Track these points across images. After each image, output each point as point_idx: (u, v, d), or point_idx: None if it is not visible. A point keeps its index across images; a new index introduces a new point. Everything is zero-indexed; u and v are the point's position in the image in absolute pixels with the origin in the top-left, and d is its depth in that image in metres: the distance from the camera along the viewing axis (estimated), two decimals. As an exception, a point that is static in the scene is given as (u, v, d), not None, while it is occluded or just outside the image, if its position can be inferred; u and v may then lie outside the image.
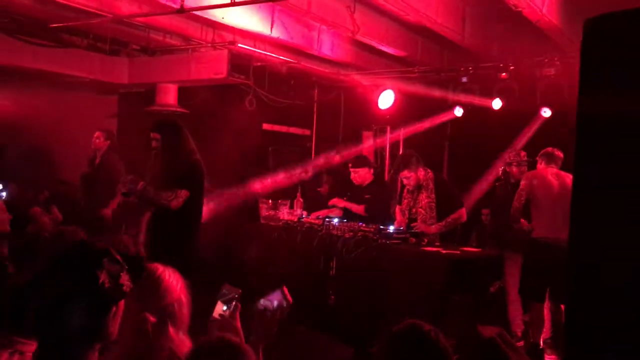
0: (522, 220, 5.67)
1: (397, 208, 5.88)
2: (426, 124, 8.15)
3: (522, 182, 5.64)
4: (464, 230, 7.33)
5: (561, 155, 5.68)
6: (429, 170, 5.64)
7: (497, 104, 7.38)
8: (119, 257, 1.73)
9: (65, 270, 1.67)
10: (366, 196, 5.97)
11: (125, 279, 1.71)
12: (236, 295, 2.38)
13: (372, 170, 6.17)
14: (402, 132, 8.60)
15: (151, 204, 4.62)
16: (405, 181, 5.64)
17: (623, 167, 1.35)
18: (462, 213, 5.50)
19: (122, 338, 1.84)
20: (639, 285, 1.39)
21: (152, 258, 2.48)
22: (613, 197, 1.40)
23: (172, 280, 2.25)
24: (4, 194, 4.86)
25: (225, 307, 2.38)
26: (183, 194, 4.55)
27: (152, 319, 2.10)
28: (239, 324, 2.43)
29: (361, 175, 6.05)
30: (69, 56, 6.79)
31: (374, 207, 5.91)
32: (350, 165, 6.19)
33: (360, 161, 6.25)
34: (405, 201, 5.70)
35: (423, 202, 5.52)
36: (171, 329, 2.17)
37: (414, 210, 5.60)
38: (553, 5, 5.78)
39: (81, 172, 6.61)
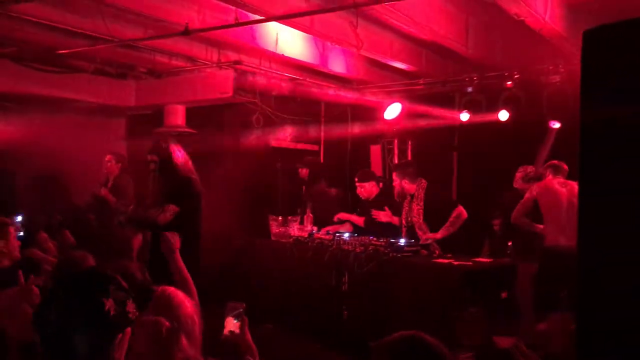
0: (526, 220, 5.77)
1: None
2: (432, 123, 8.09)
3: (527, 193, 5.76)
4: (476, 240, 7.30)
5: (566, 167, 5.83)
6: (422, 181, 5.77)
7: (503, 115, 7.38)
8: (125, 285, 1.75)
9: (72, 297, 1.69)
10: (372, 210, 6.02)
11: (131, 307, 1.73)
12: (241, 310, 2.40)
13: (378, 184, 6.26)
14: (410, 144, 8.60)
15: (142, 226, 4.64)
16: (394, 184, 5.95)
17: (627, 173, 1.35)
18: (460, 211, 5.55)
19: (136, 345, 1.85)
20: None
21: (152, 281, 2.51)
22: (618, 202, 1.40)
23: (184, 299, 2.26)
24: (18, 218, 4.91)
25: (235, 321, 2.40)
26: (171, 208, 4.56)
27: (167, 323, 2.11)
28: (249, 338, 2.45)
29: (367, 190, 6.15)
30: (77, 81, 6.86)
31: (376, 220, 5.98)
32: (356, 179, 6.24)
33: (366, 175, 6.30)
34: (404, 210, 5.85)
35: (415, 211, 5.69)
36: (184, 341, 2.17)
37: (409, 219, 5.76)
38: (555, 13, 5.79)
39: (93, 195, 6.65)
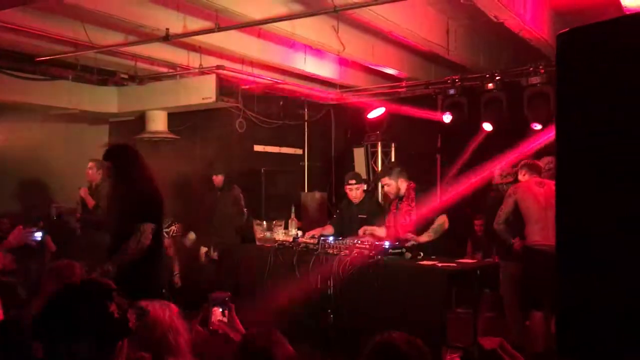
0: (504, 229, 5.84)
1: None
2: (415, 113, 8.10)
3: (506, 197, 5.77)
4: (459, 241, 7.34)
5: (541, 164, 5.85)
6: (411, 182, 5.77)
7: (487, 127, 7.49)
8: (122, 295, 1.78)
9: (79, 302, 1.71)
10: (360, 216, 6.02)
11: (131, 316, 1.75)
12: (227, 298, 2.41)
13: (364, 188, 6.29)
14: (393, 147, 8.65)
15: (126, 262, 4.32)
16: (386, 188, 5.82)
17: (602, 173, 1.38)
18: (444, 220, 5.56)
19: None
20: (627, 287, 1.40)
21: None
22: (595, 203, 1.42)
23: (159, 312, 2.24)
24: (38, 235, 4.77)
25: (221, 310, 2.41)
26: (148, 227, 4.32)
27: (147, 356, 2.09)
28: (239, 323, 2.45)
29: (359, 192, 6.15)
30: (58, 88, 6.81)
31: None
32: (350, 180, 6.16)
33: (359, 177, 6.31)
34: (392, 214, 5.81)
35: (403, 210, 5.66)
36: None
37: (397, 219, 5.72)
38: (537, 15, 5.87)
39: (77, 202, 6.60)
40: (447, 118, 7.97)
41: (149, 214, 4.40)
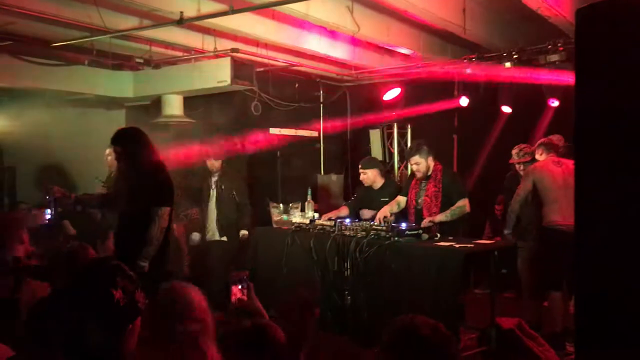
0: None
1: (395, 199, 5.97)
2: (433, 108, 8.08)
3: (523, 179, 5.74)
4: (478, 222, 7.31)
5: (559, 143, 5.79)
6: (437, 163, 5.76)
7: (506, 109, 7.44)
8: (131, 274, 1.75)
9: (81, 291, 1.69)
10: (382, 199, 6.05)
11: (140, 296, 1.73)
12: (245, 277, 2.43)
13: (381, 172, 6.25)
14: (410, 128, 8.59)
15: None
16: (414, 167, 5.75)
17: (621, 151, 1.35)
18: (466, 203, 5.55)
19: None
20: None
21: None
22: (614, 181, 1.40)
23: (193, 292, 2.21)
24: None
25: (240, 288, 2.43)
26: (166, 211, 4.40)
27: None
28: (257, 302, 2.46)
29: (370, 177, 6.16)
30: (73, 73, 6.84)
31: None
32: (360, 166, 6.24)
33: (369, 162, 6.31)
34: (414, 191, 5.81)
35: (430, 191, 5.65)
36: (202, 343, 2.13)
37: (420, 200, 5.72)
38: (554, -9, 5.75)
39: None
40: (464, 101, 7.91)
41: (165, 197, 4.46)
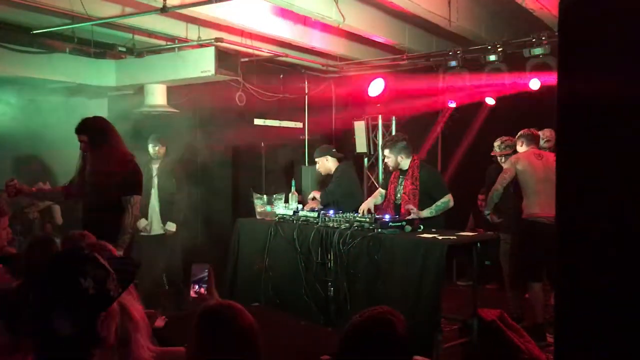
0: (492, 215, 6.13)
1: (377, 191, 6.12)
2: (418, 103, 8.11)
3: (505, 167, 5.80)
4: (461, 215, 7.35)
5: (538, 133, 5.85)
6: (415, 158, 5.76)
7: (490, 101, 7.49)
8: (104, 263, 1.74)
9: (49, 278, 1.68)
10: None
11: (111, 284, 1.72)
12: (206, 271, 2.41)
13: (334, 158, 6.44)
14: (394, 120, 8.59)
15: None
16: (385, 159, 5.89)
17: (604, 144, 1.35)
18: (450, 198, 5.58)
19: None
20: (628, 259, 1.39)
21: None
22: (596, 174, 1.40)
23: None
24: None
25: (197, 287, 2.41)
26: (137, 200, 4.41)
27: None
28: (217, 296, 2.45)
29: (324, 166, 6.43)
30: (54, 62, 6.73)
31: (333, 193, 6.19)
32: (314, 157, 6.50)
33: (319, 152, 6.52)
34: (393, 185, 5.84)
35: (407, 188, 5.67)
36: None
37: (398, 195, 5.77)
38: (538, -16, 5.77)
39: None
40: (452, 104, 7.95)
41: (135, 186, 4.47)
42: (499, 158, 6.34)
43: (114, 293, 1.72)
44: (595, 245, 1.44)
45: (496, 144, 6.37)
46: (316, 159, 6.51)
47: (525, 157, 5.69)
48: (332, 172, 6.37)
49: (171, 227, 6.45)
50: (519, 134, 5.92)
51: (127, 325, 2.08)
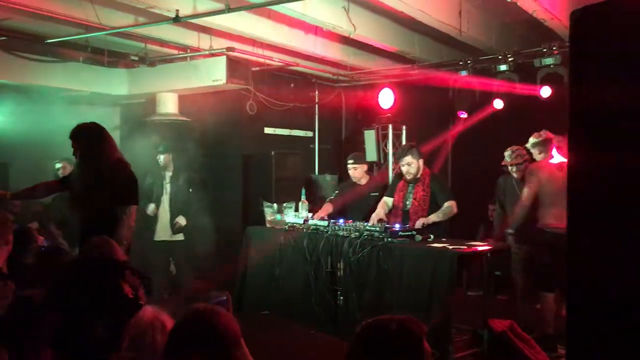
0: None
1: (382, 200, 5.95)
2: (430, 117, 8.14)
3: (530, 179, 5.63)
4: (472, 225, 7.32)
5: (552, 136, 5.72)
6: (426, 167, 5.84)
7: (498, 104, 7.44)
8: (136, 272, 1.78)
9: (92, 280, 1.71)
10: (372, 194, 6.20)
11: (142, 293, 1.78)
12: (225, 298, 2.40)
13: (368, 168, 6.48)
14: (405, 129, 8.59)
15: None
16: (405, 168, 5.75)
17: (615, 154, 1.35)
18: (454, 204, 5.57)
19: None
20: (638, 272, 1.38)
21: None
22: (607, 183, 1.40)
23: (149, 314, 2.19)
24: None
25: None
26: (133, 210, 4.26)
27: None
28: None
29: (359, 172, 6.33)
30: (68, 70, 6.80)
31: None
32: (350, 161, 6.34)
33: (360, 157, 6.48)
34: (402, 193, 5.81)
35: (418, 195, 5.67)
36: None
37: (407, 202, 5.74)
38: (550, -6, 5.76)
39: None
40: (463, 114, 7.94)
41: (131, 195, 4.32)
42: (509, 168, 6.28)
43: (142, 301, 1.77)
44: (607, 257, 1.44)
45: (507, 153, 6.29)
46: (356, 165, 6.32)
47: (546, 169, 5.60)
48: (362, 182, 6.33)
49: (181, 220, 6.47)
50: (534, 141, 5.78)
51: (157, 334, 2.08)
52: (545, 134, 5.77)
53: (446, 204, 5.54)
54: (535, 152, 5.80)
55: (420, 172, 5.71)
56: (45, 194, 5.02)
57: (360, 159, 6.44)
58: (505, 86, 7.19)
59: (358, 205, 6.20)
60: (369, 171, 6.57)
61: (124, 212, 4.20)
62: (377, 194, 6.15)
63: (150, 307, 2.20)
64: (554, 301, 5.56)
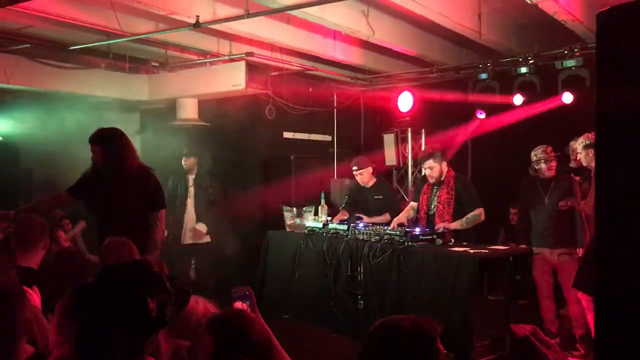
0: None
1: (409, 205, 6.03)
2: (449, 120, 8.10)
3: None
4: (493, 228, 7.24)
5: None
6: (450, 169, 5.74)
7: (518, 99, 7.31)
8: (168, 286, 1.69)
9: (117, 294, 1.62)
10: (376, 197, 6.25)
11: (169, 310, 1.67)
12: (247, 293, 2.41)
13: (373, 171, 6.38)
14: (424, 133, 8.56)
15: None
16: (428, 171, 5.72)
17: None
18: (481, 212, 5.51)
19: None
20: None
21: None
22: (636, 188, 1.38)
23: (192, 302, 2.18)
24: None
25: (242, 304, 2.41)
26: (163, 213, 4.30)
27: (185, 343, 2.06)
28: (261, 320, 2.44)
29: (365, 177, 6.31)
30: (90, 77, 6.90)
31: (388, 206, 6.18)
32: (354, 167, 6.33)
33: (363, 162, 6.41)
34: (426, 196, 5.78)
35: (442, 198, 5.63)
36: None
37: (432, 205, 5.70)
38: (570, -4, 5.71)
39: None
40: (480, 115, 7.87)
41: (160, 199, 4.36)
42: (541, 164, 5.89)
43: (169, 318, 1.66)
44: (635, 260, 1.42)
45: (537, 151, 5.97)
46: (361, 170, 6.29)
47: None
48: (369, 185, 6.33)
49: (201, 227, 6.60)
50: (586, 142, 5.28)
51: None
52: (592, 135, 5.59)
53: (474, 212, 5.47)
54: (584, 154, 5.45)
55: (444, 175, 5.66)
56: (52, 208, 4.94)
57: (362, 163, 6.37)
58: (525, 93, 7.12)
59: (368, 208, 6.27)
60: (375, 173, 6.49)
61: (156, 217, 4.25)
62: (381, 197, 6.21)
63: (200, 298, 2.20)
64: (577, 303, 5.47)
